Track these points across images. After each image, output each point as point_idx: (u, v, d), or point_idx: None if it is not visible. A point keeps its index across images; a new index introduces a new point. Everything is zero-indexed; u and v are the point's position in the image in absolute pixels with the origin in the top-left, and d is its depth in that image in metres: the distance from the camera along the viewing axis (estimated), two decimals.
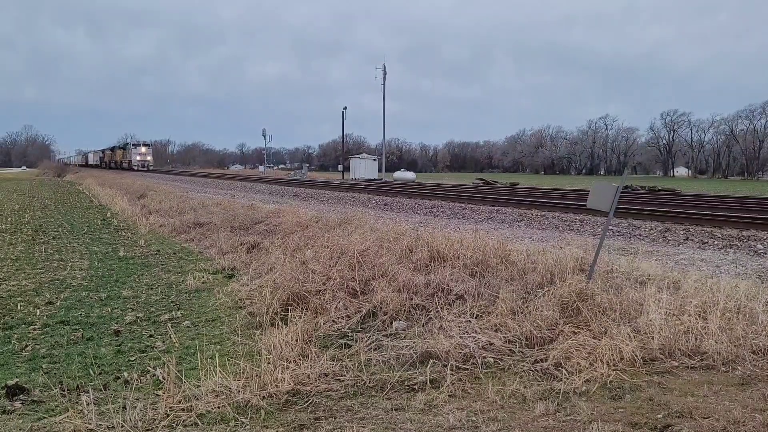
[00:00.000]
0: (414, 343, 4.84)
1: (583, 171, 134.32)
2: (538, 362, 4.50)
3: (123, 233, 13.36)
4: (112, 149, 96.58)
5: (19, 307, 6.53)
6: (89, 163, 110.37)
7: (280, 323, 5.44)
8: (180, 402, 3.80)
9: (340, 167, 69.83)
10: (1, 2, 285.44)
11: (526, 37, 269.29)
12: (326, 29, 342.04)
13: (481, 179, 57.89)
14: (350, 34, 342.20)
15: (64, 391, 4.12)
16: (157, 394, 4.01)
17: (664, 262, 8.18)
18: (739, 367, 4.37)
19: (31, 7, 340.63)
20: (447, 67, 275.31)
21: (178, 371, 4.23)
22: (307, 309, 5.85)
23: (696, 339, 4.74)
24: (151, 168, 79.30)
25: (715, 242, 10.63)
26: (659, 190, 36.17)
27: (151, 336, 5.58)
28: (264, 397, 3.90)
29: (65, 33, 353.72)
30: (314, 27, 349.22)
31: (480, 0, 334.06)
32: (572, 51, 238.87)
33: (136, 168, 76.56)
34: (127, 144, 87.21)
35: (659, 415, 3.57)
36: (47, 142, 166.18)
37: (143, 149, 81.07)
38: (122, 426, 3.49)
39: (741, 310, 5.21)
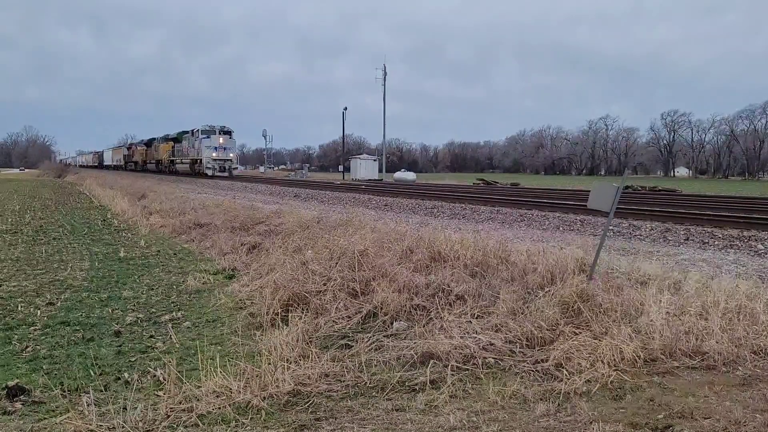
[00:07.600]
0: (414, 343, 4.84)
1: (584, 171, 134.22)
2: (538, 363, 4.50)
3: (123, 234, 13.38)
4: (148, 143, 61.69)
5: (19, 308, 6.53)
6: (105, 164, 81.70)
7: (280, 324, 5.44)
8: (181, 403, 3.80)
9: (341, 168, 69.62)
10: (4, 2, 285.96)
11: (531, 37, 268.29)
12: (331, 29, 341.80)
13: (481, 180, 57.80)
14: (355, 35, 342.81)
15: (64, 391, 4.12)
16: (158, 395, 4.02)
17: (665, 262, 8.17)
18: (740, 368, 4.37)
19: (35, 7, 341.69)
20: (451, 68, 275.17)
21: (179, 372, 4.23)
22: (307, 309, 5.86)
23: (697, 339, 4.74)
24: (234, 173, 46.51)
25: (716, 242, 10.61)
26: (660, 191, 36.14)
27: (151, 337, 5.59)
28: (265, 398, 3.90)
29: (68, 33, 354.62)
30: (319, 27, 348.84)
31: (485, 0, 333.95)
32: (577, 51, 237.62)
33: (209, 173, 43.15)
34: (183, 133, 49.13)
35: (660, 416, 3.56)
36: (48, 143, 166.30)
37: (221, 139, 44.47)
38: (123, 426, 3.49)
39: (742, 311, 5.20)
